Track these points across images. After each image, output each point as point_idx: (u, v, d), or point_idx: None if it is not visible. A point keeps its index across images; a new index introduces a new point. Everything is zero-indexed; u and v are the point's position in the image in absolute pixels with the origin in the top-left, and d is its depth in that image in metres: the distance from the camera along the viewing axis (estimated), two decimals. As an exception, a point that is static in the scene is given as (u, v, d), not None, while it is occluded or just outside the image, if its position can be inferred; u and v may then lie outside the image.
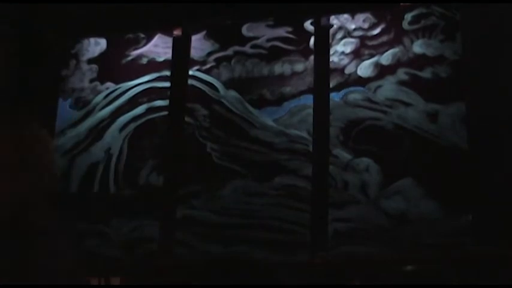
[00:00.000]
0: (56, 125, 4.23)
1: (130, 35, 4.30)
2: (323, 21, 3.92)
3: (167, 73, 4.12)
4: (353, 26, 3.86)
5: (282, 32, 3.98)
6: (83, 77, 4.29)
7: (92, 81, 4.26)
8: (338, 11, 3.90)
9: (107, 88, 4.21)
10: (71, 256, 1.40)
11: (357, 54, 3.79)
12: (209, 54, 4.07)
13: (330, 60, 3.81)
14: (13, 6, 4.20)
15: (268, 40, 3.99)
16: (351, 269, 3.35)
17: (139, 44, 4.26)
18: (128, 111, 4.12)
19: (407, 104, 3.59)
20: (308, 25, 3.94)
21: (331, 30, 3.88)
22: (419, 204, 3.38)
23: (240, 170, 3.75)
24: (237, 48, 4.02)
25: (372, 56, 3.75)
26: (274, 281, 3.47)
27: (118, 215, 3.89)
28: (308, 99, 3.77)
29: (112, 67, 4.26)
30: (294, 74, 3.86)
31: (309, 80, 3.81)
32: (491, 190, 3.30)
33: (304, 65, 3.86)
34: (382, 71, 3.70)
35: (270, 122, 3.80)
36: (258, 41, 4.00)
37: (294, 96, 3.82)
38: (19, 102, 4.39)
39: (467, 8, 3.64)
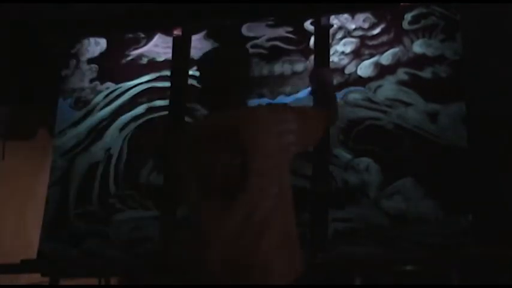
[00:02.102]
0: (56, 125, 4.24)
1: (130, 35, 4.30)
2: (323, 21, 3.92)
3: (167, 73, 4.12)
4: (353, 26, 3.86)
5: (282, 32, 3.98)
6: (83, 77, 4.29)
7: (92, 81, 4.26)
8: (338, 11, 3.90)
9: (107, 88, 4.22)
10: None
11: (357, 54, 3.79)
12: (209, 54, 4.07)
13: (330, 60, 3.81)
14: (13, 6, 4.20)
15: (268, 40, 3.99)
16: (351, 269, 3.35)
17: (139, 44, 4.26)
18: (128, 111, 4.12)
19: (407, 104, 3.59)
20: (308, 25, 3.94)
21: (331, 30, 3.88)
22: (419, 204, 3.38)
23: (240, 170, 3.75)
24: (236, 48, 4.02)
25: (372, 56, 3.75)
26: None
27: (118, 215, 3.89)
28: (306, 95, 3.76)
29: (112, 67, 4.26)
30: (294, 74, 3.87)
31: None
32: (491, 190, 3.29)
33: (304, 65, 3.86)
34: (382, 71, 3.70)
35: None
36: (258, 41, 4.00)
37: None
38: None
39: (467, 8, 3.64)
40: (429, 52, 3.65)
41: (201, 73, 2.15)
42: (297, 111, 2.11)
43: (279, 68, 3.90)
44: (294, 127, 2.02)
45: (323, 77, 2.30)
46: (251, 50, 3.99)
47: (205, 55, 2.20)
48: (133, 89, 4.16)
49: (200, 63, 2.19)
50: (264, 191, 1.92)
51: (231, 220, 1.90)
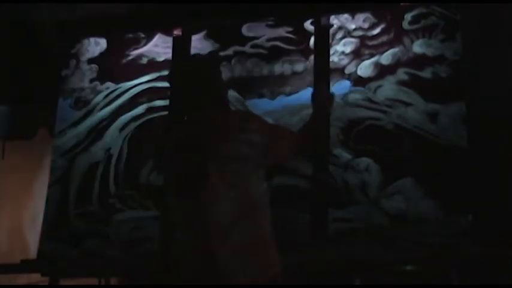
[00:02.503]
0: (56, 125, 4.24)
1: (130, 35, 4.30)
2: (323, 21, 3.92)
3: (167, 73, 4.11)
4: (353, 26, 3.86)
5: (282, 32, 3.98)
6: (83, 77, 4.29)
7: (92, 81, 4.26)
8: (338, 11, 3.90)
9: (107, 88, 4.22)
10: None
11: (357, 54, 3.79)
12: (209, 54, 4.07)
13: (330, 60, 3.81)
14: (13, 6, 4.20)
15: (268, 40, 3.99)
16: (351, 269, 3.35)
17: (139, 44, 4.26)
18: (128, 111, 4.12)
19: (407, 104, 3.59)
20: (308, 25, 3.94)
21: (331, 30, 3.88)
22: (419, 204, 3.38)
23: (240, 170, 3.75)
24: (237, 48, 4.02)
25: (372, 56, 3.75)
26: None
27: (118, 215, 3.89)
28: (304, 96, 3.76)
29: (112, 67, 4.26)
30: (294, 74, 3.86)
31: (309, 79, 3.81)
32: (491, 190, 3.29)
33: (304, 65, 3.86)
34: (382, 71, 3.70)
35: (270, 121, 3.79)
36: (258, 41, 4.00)
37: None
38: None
39: (467, 8, 3.64)
40: (429, 52, 3.65)
41: (172, 82, 2.25)
42: (268, 126, 2.14)
43: (279, 68, 3.90)
44: (257, 140, 2.03)
45: (323, 101, 2.34)
46: (251, 50, 3.99)
47: (175, 66, 2.32)
48: (133, 89, 4.16)
49: (171, 73, 2.31)
50: (222, 194, 1.94)
51: (196, 219, 1.95)
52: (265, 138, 2.05)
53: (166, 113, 4.03)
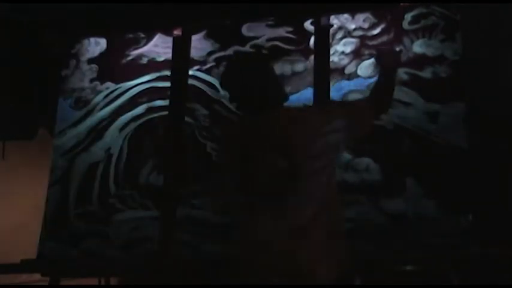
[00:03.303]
0: (56, 125, 4.24)
1: (131, 35, 4.30)
2: (323, 21, 3.92)
3: (167, 73, 4.12)
4: (353, 26, 3.86)
5: (282, 32, 3.98)
6: (83, 77, 4.29)
7: (92, 81, 4.27)
8: (338, 11, 3.90)
9: (107, 88, 4.22)
10: None
11: (357, 54, 3.79)
12: (209, 54, 4.08)
13: (330, 60, 3.81)
14: (13, 6, 4.20)
15: (268, 40, 3.99)
16: (351, 269, 3.34)
17: (139, 44, 4.26)
18: (128, 111, 4.12)
19: (407, 104, 3.59)
20: (308, 25, 3.94)
21: (331, 30, 3.88)
22: (419, 204, 3.38)
23: (240, 170, 3.74)
24: (237, 48, 4.03)
25: (372, 56, 3.74)
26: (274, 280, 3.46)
27: (118, 215, 3.89)
28: (306, 95, 3.76)
29: (112, 67, 4.27)
30: (294, 74, 3.86)
31: (309, 80, 3.81)
32: (491, 190, 3.29)
33: (304, 65, 3.86)
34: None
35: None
36: (258, 41, 4.00)
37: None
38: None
39: (467, 8, 3.64)
40: (429, 52, 3.65)
41: (232, 81, 2.16)
42: (345, 107, 2.12)
43: (279, 68, 3.89)
44: (342, 124, 2.03)
45: (390, 60, 2.31)
46: (251, 50, 3.99)
47: (229, 65, 2.24)
48: (133, 89, 4.16)
49: (227, 73, 2.22)
50: (312, 193, 1.94)
51: (281, 223, 1.91)
52: (348, 118, 2.04)
53: (166, 113, 4.03)
